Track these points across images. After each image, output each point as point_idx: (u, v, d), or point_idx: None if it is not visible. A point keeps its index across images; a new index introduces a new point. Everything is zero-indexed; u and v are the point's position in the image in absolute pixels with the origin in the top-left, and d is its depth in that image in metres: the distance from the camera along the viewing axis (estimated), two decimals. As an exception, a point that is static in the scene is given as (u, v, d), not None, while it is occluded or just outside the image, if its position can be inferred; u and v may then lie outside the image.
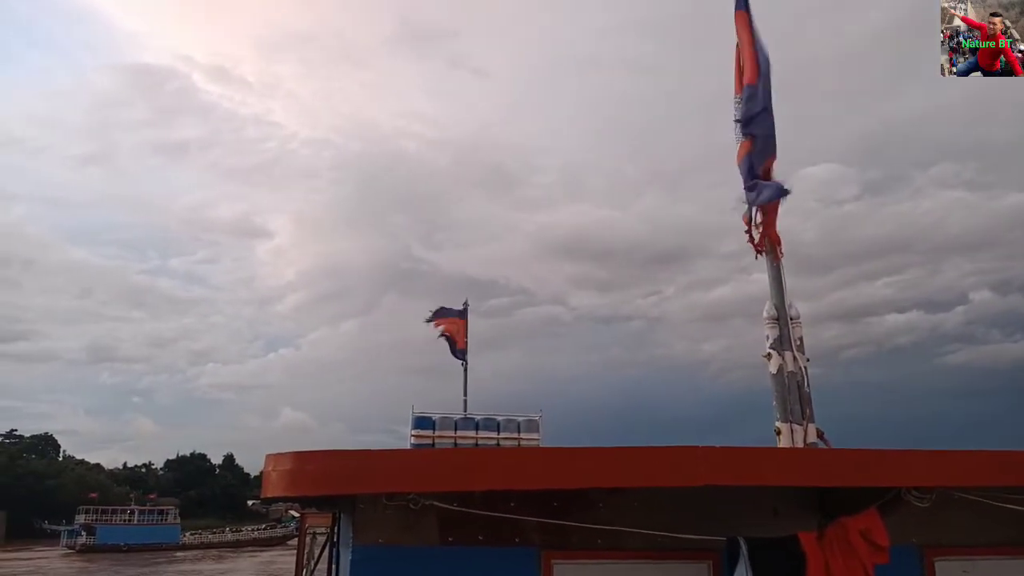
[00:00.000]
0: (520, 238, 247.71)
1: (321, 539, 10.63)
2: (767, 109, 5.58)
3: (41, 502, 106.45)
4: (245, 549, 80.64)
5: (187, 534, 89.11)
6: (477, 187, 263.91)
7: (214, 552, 78.80)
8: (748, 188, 5.55)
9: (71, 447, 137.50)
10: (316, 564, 10.64)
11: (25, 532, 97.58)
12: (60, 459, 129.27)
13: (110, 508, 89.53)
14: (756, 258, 5.53)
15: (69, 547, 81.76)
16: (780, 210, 5.59)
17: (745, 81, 5.71)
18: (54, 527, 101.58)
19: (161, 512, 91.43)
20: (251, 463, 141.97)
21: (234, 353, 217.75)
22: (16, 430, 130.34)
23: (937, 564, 4.44)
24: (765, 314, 5.29)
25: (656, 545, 4.16)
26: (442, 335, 16.03)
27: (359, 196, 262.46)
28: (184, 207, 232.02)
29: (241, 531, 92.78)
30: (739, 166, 5.57)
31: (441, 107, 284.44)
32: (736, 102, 5.69)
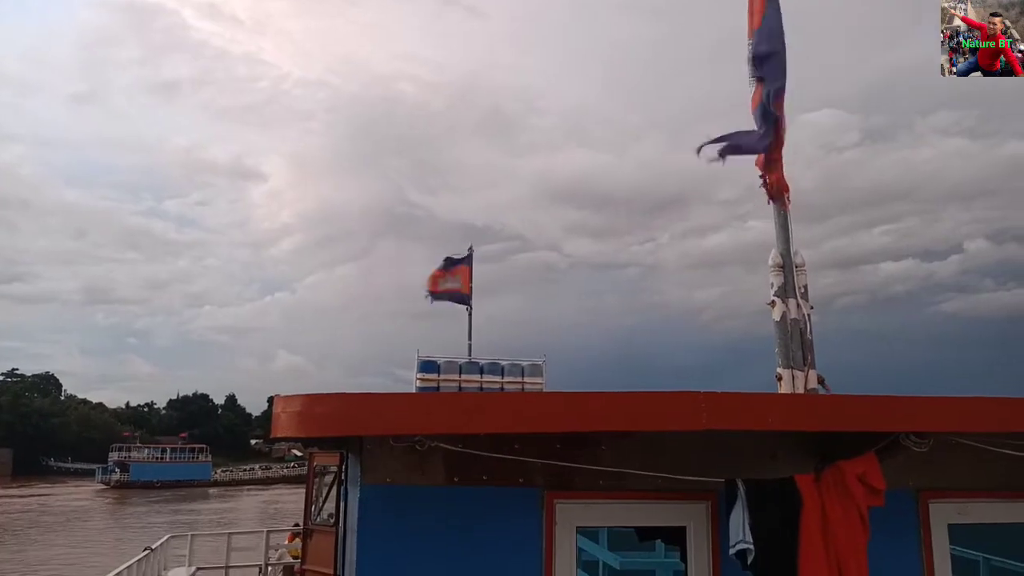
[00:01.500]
0: (516, 184, 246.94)
1: (328, 477, 10.87)
2: (778, 51, 5.49)
3: (46, 440, 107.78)
4: (272, 486, 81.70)
5: (219, 471, 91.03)
6: (474, 131, 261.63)
7: (217, 490, 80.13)
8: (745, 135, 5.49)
9: (69, 387, 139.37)
10: (325, 501, 10.88)
11: (30, 469, 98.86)
12: (62, 398, 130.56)
13: (143, 445, 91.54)
14: (768, 203, 5.51)
15: (104, 483, 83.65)
16: (783, 156, 5.54)
17: (755, 25, 5.61)
18: (60, 464, 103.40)
19: (193, 450, 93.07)
20: (250, 404, 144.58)
21: (230, 296, 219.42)
22: (17, 369, 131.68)
23: (932, 506, 4.54)
24: (770, 261, 5.29)
25: (656, 486, 4.26)
26: (444, 292, 16.00)
27: (354, 139, 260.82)
28: (177, 148, 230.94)
29: (271, 468, 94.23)
30: (753, 113, 5.50)
31: (437, 48, 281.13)
32: (749, 45, 5.59)
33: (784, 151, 5.47)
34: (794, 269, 5.24)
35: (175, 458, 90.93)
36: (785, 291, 5.18)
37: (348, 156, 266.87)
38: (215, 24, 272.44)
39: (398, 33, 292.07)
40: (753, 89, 5.56)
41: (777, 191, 5.42)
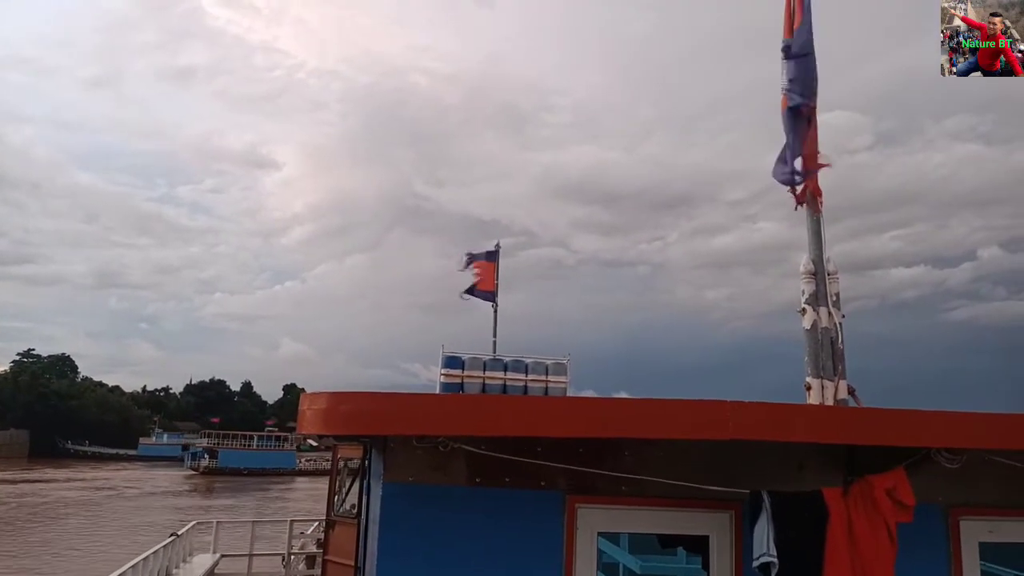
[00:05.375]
0: (525, 178, 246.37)
1: (351, 466, 10.91)
2: (808, 54, 5.42)
3: (63, 422, 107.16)
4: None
5: (303, 460, 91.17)
6: (485, 125, 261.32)
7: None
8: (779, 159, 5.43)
9: (80, 369, 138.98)
10: (347, 493, 10.92)
11: (48, 452, 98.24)
12: (79, 380, 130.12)
13: (231, 433, 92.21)
14: (796, 209, 5.42)
15: (193, 469, 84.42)
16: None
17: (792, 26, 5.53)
18: (77, 448, 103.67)
19: (278, 439, 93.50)
20: (262, 391, 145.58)
21: (241, 284, 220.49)
22: (34, 350, 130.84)
23: (962, 523, 4.46)
24: (802, 268, 5.20)
25: (679, 494, 4.21)
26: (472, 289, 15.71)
27: (367, 130, 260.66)
28: (193, 135, 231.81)
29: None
30: (783, 115, 5.42)
31: (450, 40, 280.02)
32: (784, 46, 5.50)
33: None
34: (826, 277, 5.16)
35: (262, 446, 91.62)
36: (816, 299, 5.10)
37: (361, 147, 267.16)
38: (232, 12, 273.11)
39: (412, 24, 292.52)
40: (783, 94, 5.48)
41: (810, 195, 5.33)
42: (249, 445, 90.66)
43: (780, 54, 5.48)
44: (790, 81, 5.41)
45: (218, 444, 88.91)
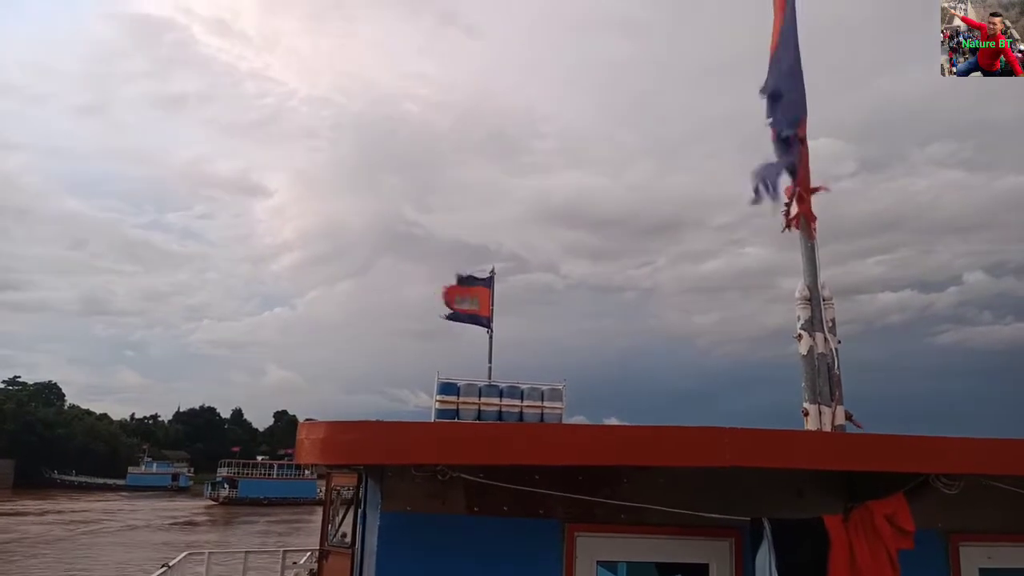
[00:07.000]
0: (514, 204, 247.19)
1: (345, 496, 10.83)
2: (793, 73, 5.45)
3: (48, 451, 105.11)
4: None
5: (322, 488, 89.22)
6: (477, 152, 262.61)
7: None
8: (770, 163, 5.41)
9: (66, 397, 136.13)
10: (342, 522, 10.82)
11: (34, 482, 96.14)
12: (66, 408, 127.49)
13: (250, 462, 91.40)
14: (784, 231, 5.41)
15: (213, 499, 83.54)
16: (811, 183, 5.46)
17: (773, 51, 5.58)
18: (63, 477, 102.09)
19: (299, 467, 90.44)
20: (252, 418, 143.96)
21: (230, 310, 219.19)
22: (19, 377, 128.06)
23: (962, 549, 4.45)
24: (797, 294, 5.21)
25: (679, 521, 4.19)
26: (461, 312, 15.61)
27: (358, 157, 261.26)
28: (182, 161, 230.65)
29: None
30: (773, 142, 5.45)
31: (439, 68, 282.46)
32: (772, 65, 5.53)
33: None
34: (821, 302, 5.17)
35: (282, 475, 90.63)
36: (812, 324, 5.11)
37: (351, 173, 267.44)
38: (223, 40, 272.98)
39: (403, 53, 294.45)
40: (770, 121, 5.51)
41: (804, 221, 5.35)
42: (270, 474, 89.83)
43: (765, 75, 5.52)
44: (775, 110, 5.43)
45: (238, 473, 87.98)
